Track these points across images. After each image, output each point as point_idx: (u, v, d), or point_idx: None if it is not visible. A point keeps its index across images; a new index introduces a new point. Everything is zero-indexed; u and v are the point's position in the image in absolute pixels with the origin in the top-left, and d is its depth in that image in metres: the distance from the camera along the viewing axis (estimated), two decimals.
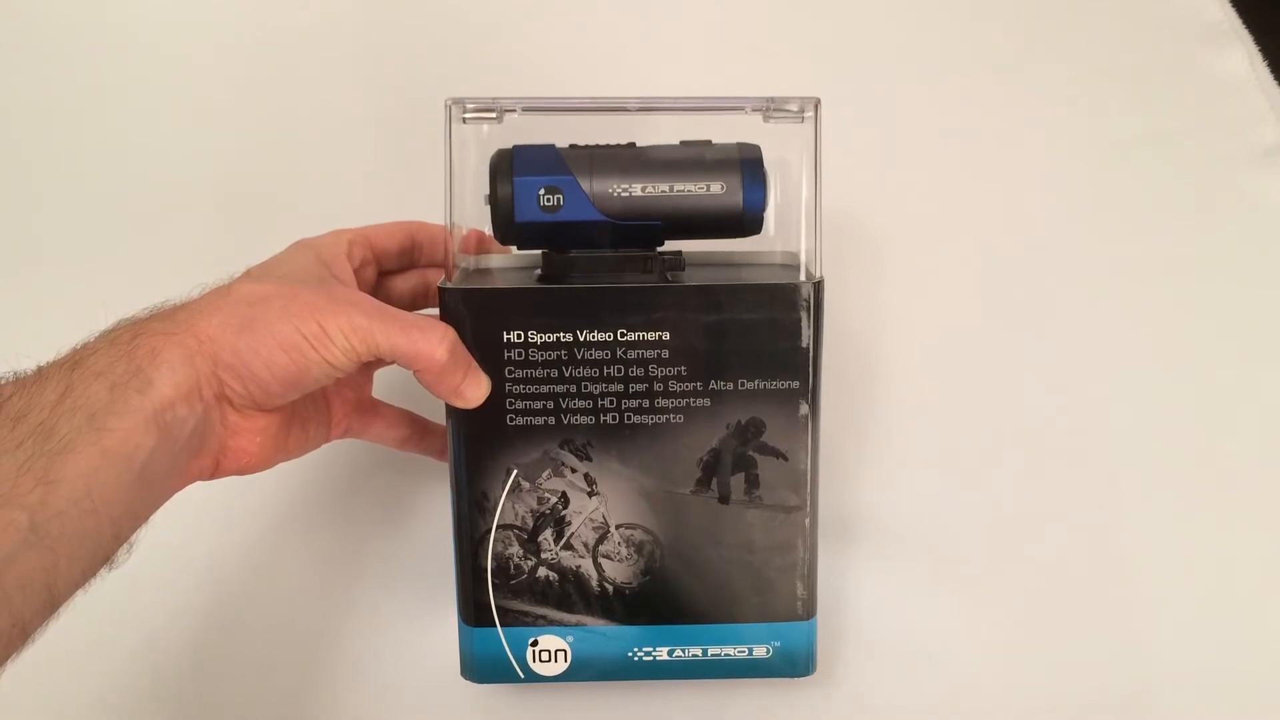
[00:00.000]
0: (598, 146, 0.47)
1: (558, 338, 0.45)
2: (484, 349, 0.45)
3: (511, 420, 0.46)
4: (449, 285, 0.46)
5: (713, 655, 0.49)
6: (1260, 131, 0.67)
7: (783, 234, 0.48)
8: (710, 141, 0.47)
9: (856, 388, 0.61)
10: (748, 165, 0.46)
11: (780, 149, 0.47)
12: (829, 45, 0.70)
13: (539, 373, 0.46)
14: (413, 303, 0.53)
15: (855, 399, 0.61)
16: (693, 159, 0.46)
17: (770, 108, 0.47)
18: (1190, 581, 0.57)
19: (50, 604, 0.35)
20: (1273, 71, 0.69)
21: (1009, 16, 0.70)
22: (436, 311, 0.46)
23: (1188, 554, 0.58)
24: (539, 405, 0.46)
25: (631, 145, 0.47)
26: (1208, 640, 0.56)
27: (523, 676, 0.49)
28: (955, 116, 0.68)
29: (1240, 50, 0.69)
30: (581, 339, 0.45)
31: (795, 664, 0.50)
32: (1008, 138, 0.67)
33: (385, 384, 0.53)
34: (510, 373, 0.46)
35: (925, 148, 0.67)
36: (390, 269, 0.52)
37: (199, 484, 0.43)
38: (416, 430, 0.53)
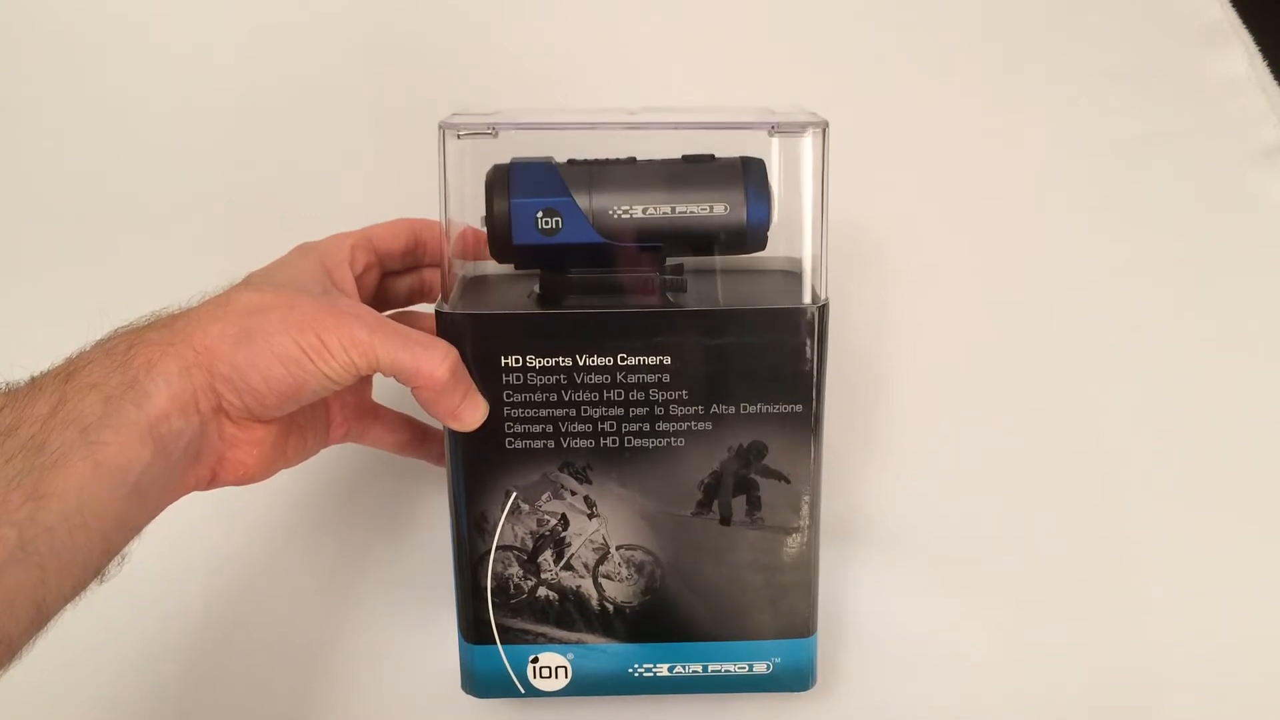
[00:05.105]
0: (597, 162, 0.43)
1: (557, 362, 0.42)
2: (482, 372, 0.42)
3: (510, 443, 0.43)
4: (445, 309, 0.42)
5: (713, 671, 0.47)
6: (1260, 131, 0.64)
7: (785, 234, 0.45)
8: (713, 156, 0.44)
9: (857, 393, 0.58)
10: (752, 183, 0.43)
11: (783, 155, 0.44)
12: (828, 47, 0.67)
13: (538, 396, 0.43)
14: (409, 299, 0.50)
15: (856, 405, 0.58)
16: (695, 176, 0.43)
17: (776, 130, 0.43)
18: (1192, 585, 0.55)
19: (38, 620, 0.34)
20: (1273, 71, 0.66)
21: (1009, 18, 0.67)
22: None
23: (1190, 559, 0.55)
24: (538, 429, 0.43)
25: (632, 160, 0.44)
26: (1209, 645, 0.53)
27: (523, 692, 0.47)
28: (955, 118, 0.65)
29: (1240, 50, 0.66)
30: (581, 363, 0.42)
31: (796, 679, 0.48)
32: (1008, 139, 0.65)
33: (384, 388, 0.50)
34: (509, 396, 0.43)
35: (924, 150, 0.64)
36: (394, 270, 0.49)
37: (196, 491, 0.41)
38: (416, 435, 0.50)
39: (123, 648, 0.52)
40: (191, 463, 0.39)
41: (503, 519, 0.44)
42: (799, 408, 0.43)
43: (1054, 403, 0.59)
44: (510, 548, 0.45)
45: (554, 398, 0.43)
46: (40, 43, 0.67)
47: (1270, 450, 0.57)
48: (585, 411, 0.43)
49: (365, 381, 0.49)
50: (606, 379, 0.43)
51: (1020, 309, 0.61)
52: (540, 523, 0.44)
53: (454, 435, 0.43)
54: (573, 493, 0.44)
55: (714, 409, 0.43)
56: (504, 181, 0.42)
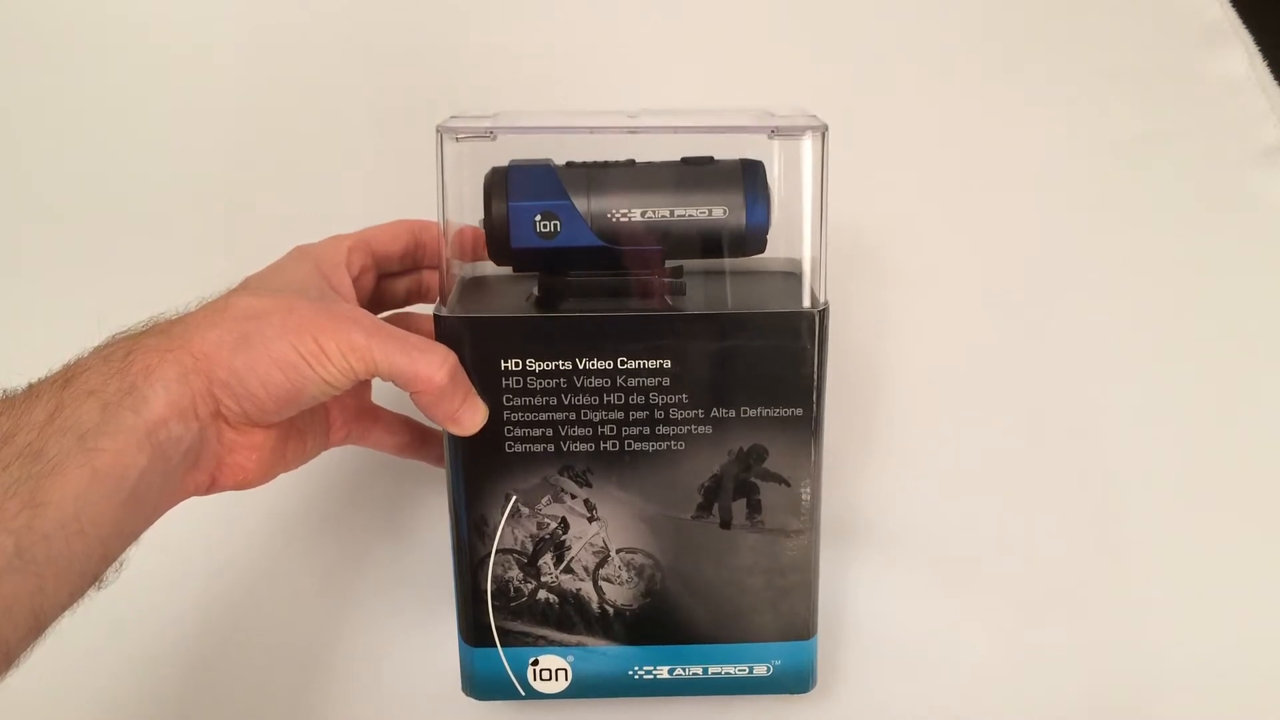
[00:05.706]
0: (595, 165, 0.43)
1: (557, 366, 0.42)
2: (481, 376, 0.42)
3: (510, 447, 0.43)
4: (444, 313, 0.42)
5: (713, 673, 0.46)
6: (1260, 131, 0.64)
7: (785, 235, 0.44)
8: (712, 158, 0.43)
9: (857, 394, 0.58)
10: (751, 186, 0.42)
11: (783, 157, 0.43)
12: (828, 47, 0.66)
13: (538, 400, 0.42)
14: (406, 301, 0.50)
15: (856, 405, 0.57)
16: (694, 179, 0.43)
17: (776, 133, 0.43)
18: (1192, 585, 0.54)
19: (36, 628, 0.33)
20: (1273, 71, 0.66)
21: (1009, 18, 0.67)
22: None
23: (1190, 559, 0.55)
24: (538, 432, 0.43)
25: (631, 163, 0.43)
26: (1209, 645, 0.53)
27: (523, 694, 0.47)
28: (955, 118, 0.64)
29: (1240, 50, 0.66)
30: (581, 367, 0.42)
31: (796, 681, 0.47)
32: (1007, 139, 0.64)
33: (384, 390, 0.49)
34: (509, 400, 0.42)
35: (924, 150, 0.64)
36: (392, 272, 0.49)
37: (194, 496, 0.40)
38: (416, 437, 0.50)
39: (122, 651, 0.52)
40: (190, 468, 0.38)
41: (503, 522, 0.44)
42: (799, 411, 0.43)
43: (1054, 403, 0.58)
44: (510, 551, 0.44)
45: (554, 401, 0.42)
46: (40, 43, 0.66)
47: (1270, 450, 0.57)
48: (585, 415, 0.43)
49: (364, 384, 0.48)
50: (606, 382, 0.42)
51: (1020, 309, 0.60)
52: (540, 526, 0.44)
53: (453, 439, 0.43)
54: (573, 496, 0.44)
55: (714, 413, 0.43)
56: (502, 184, 0.42)
